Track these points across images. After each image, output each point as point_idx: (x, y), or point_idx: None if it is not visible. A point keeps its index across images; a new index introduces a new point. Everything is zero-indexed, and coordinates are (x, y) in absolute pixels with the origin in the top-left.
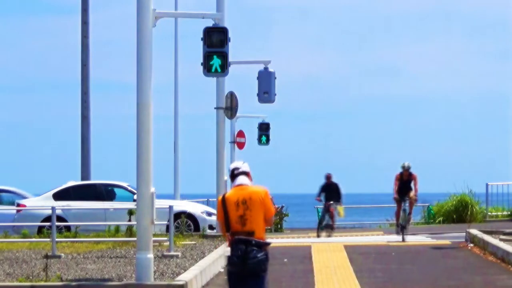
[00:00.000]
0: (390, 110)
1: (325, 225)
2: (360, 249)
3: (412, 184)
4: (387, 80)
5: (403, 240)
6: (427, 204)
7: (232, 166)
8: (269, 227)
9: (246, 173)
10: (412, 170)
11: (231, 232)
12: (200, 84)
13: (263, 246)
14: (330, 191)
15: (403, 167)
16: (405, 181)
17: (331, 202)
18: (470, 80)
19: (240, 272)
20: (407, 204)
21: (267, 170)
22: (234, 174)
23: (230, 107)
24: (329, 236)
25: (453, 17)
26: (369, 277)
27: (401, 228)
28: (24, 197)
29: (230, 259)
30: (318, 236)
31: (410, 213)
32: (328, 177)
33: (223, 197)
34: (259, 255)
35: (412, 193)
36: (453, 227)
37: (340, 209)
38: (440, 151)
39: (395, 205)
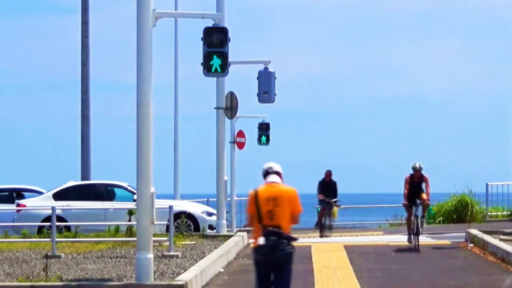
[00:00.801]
0: (390, 110)
1: (327, 225)
2: (360, 249)
3: (424, 187)
4: (387, 80)
5: (417, 248)
6: None
7: (266, 165)
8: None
9: (278, 173)
10: (423, 171)
11: (261, 225)
12: (200, 84)
13: (291, 240)
14: (328, 189)
15: (414, 168)
16: (416, 183)
17: (334, 200)
18: (470, 80)
19: (268, 261)
20: (419, 209)
21: None
22: (267, 173)
23: (230, 107)
24: (327, 236)
25: (453, 17)
26: (369, 277)
27: (415, 234)
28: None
29: (260, 249)
30: (322, 236)
31: (423, 216)
32: (327, 174)
33: (256, 192)
34: (287, 248)
35: (424, 195)
36: (453, 227)
37: (335, 210)
38: (440, 151)
39: (395, 205)
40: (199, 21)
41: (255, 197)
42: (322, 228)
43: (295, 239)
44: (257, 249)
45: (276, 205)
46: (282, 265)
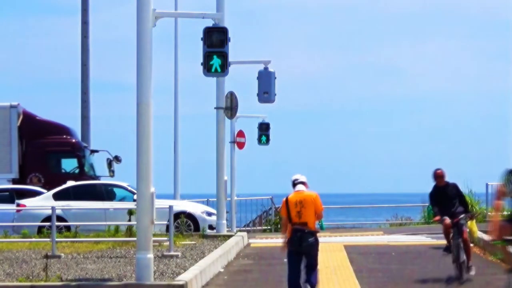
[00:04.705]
0: (390, 110)
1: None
2: (360, 249)
3: None
4: (387, 80)
5: None
6: (427, 204)
7: (294, 177)
8: (320, 222)
9: (303, 183)
10: None
11: (292, 223)
12: (200, 84)
13: (314, 233)
14: (447, 198)
15: None
16: None
17: (460, 216)
18: (470, 80)
19: (297, 250)
20: None
21: (267, 170)
22: (295, 183)
23: (230, 107)
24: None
25: (453, 18)
26: (369, 277)
27: None
28: None
29: (290, 241)
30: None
31: None
32: (438, 175)
33: (287, 199)
34: (310, 239)
35: None
36: None
37: (472, 225)
38: (440, 151)
39: (395, 205)
40: (199, 21)
41: (286, 203)
42: (460, 267)
43: (316, 231)
44: (289, 241)
45: (302, 207)
46: (309, 252)
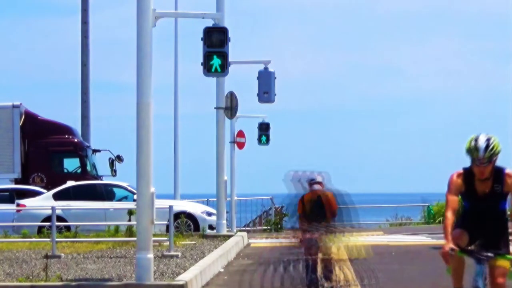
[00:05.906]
0: (390, 110)
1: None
2: None
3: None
4: (387, 80)
5: None
6: (427, 204)
7: (311, 177)
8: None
9: (319, 183)
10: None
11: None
12: (200, 84)
13: None
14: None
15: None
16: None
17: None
18: (470, 80)
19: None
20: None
21: (267, 170)
22: (311, 183)
23: (230, 107)
24: None
25: (453, 18)
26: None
27: None
28: None
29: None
30: None
31: None
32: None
33: (302, 197)
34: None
35: None
36: None
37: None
38: (440, 151)
39: (395, 205)
40: (199, 21)
41: (302, 201)
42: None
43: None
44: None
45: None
46: None
